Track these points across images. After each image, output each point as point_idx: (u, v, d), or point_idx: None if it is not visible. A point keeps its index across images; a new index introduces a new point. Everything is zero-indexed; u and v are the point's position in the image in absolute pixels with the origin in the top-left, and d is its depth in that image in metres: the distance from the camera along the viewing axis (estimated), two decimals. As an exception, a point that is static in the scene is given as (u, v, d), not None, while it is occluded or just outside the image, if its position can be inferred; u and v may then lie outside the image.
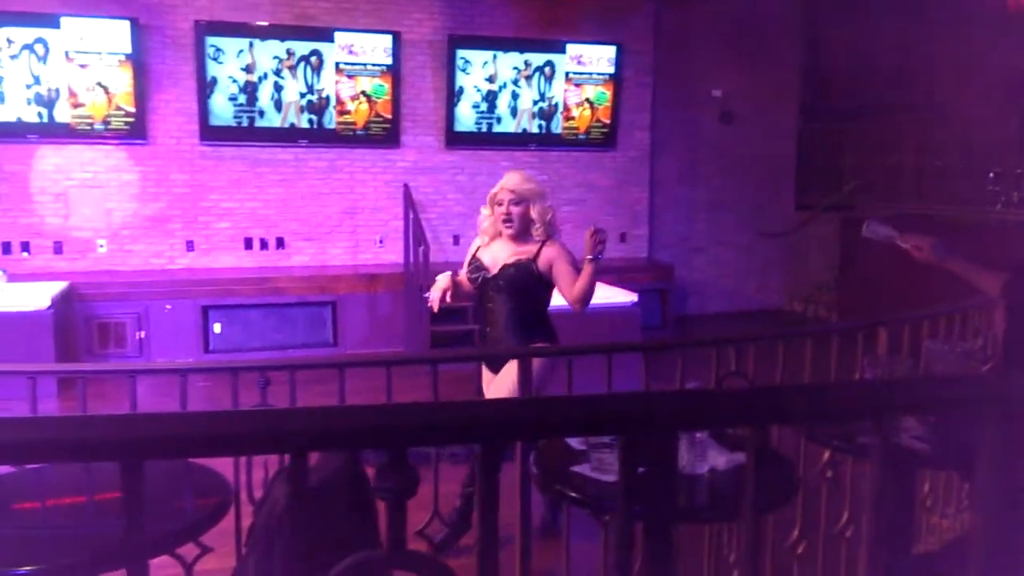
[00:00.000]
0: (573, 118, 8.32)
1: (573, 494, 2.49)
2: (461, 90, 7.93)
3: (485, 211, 3.61)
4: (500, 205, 3.50)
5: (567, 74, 8.21)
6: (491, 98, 8.05)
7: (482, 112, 8.05)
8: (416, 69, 7.88)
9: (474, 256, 3.60)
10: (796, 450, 2.94)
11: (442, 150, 8.06)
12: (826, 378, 3.20)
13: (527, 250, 3.48)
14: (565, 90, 8.23)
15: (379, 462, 0.92)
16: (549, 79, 8.18)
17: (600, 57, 8.27)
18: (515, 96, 8.11)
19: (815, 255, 9.22)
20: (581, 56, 8.21)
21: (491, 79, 8.01)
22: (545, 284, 3.49)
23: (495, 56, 7.98)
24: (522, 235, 3.50)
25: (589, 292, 3.36)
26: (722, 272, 9.23)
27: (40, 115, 6.88)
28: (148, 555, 1.03)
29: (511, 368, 3.31)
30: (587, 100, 8.33)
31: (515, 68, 8.06)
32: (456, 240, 8.17)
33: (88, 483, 2.24)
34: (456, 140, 8.04)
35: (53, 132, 6.93)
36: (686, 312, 8.83)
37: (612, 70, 8.30)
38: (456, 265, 7.78)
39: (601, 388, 2.92)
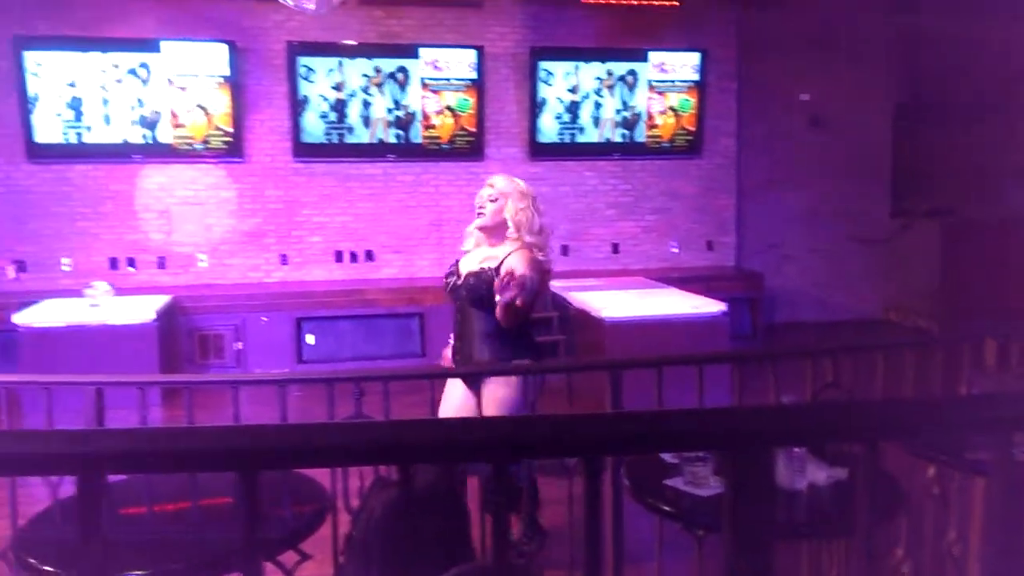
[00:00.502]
0: (657, 126, 8.26)
1: (666, 508, 2.47)
2: (544, 101, 7.97)
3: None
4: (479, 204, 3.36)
5: (650, 82, 8.15)
6: (574, 109, 8.06)
7: (565, 123, 8.06)
8: (499, 82, 7.96)
9: (456, 261, 3.47)
10: (899, 464, 2.83)
11: (525, 161, 8.11)
12: (929, 392, 3.08)
13: (495, 257, 3.26)
14: (648, 98, 8.18)
15: (474, 473, 0.93)
16: (631, 88, 8.14)
17: (683, 64, 8.18)
18: (598, 106, 8.10)
19: (913, 263, 8.87)
20: (664, 64, 8.15)
21: (573, 90, 8.02)
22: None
23: (577, 67, 7.99)
24: (497, 238, 3.31)
25: (507, 321, 3.10)
26: (814, 280, 8.98)
27: (144, 136, 7.23)
28: (261, 561, 1.06)
29: (495, 388, 3.19)
30: (671, 108, 8.25)
31: (597, 78, 8.05)
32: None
33: (192, 490, 2.32)
34: (539, 151, 8.07)
35: (156, 152, 7.27)
36: (775, 321, 8.62)
37: (696, 77, 8.21)
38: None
39: (686, 401, 2.87)
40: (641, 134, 8.23)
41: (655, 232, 8.48)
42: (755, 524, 1.20)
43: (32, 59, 6.91)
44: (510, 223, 3.27)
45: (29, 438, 0.88)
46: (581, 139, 8.13)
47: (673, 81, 8.19)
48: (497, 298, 3.01)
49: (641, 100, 8.17)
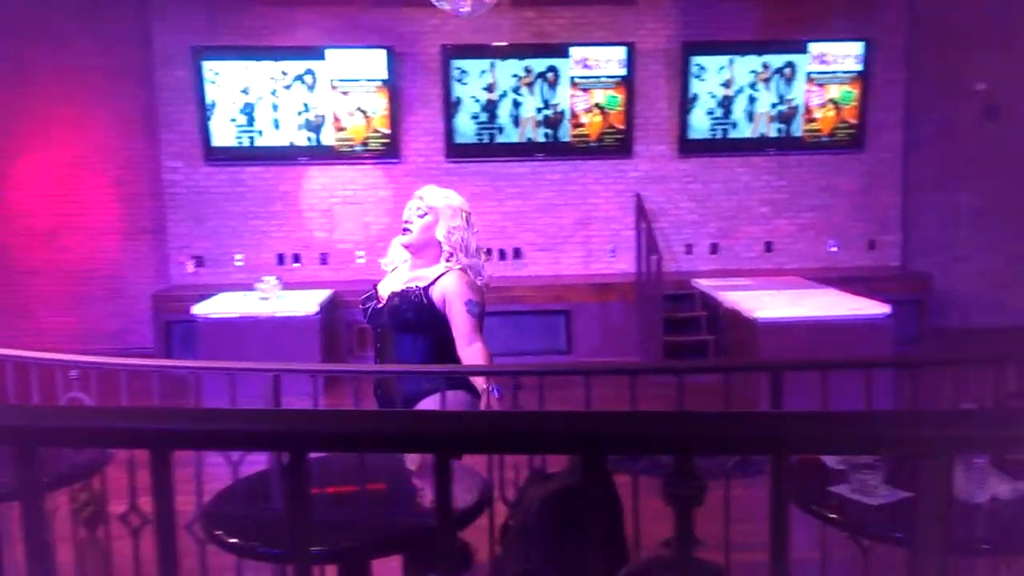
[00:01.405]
0: (815, 120, 7.93)
1: (832, 515, 2.37)
2: (695, 97, 7.83)
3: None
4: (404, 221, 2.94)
5: (809, 74, 7.84)
6: (727, 103, 7.86)
7: (717, 118, 7.88)
8: (649, 79, 7.88)
9: (374, 284, 3.03)
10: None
11: (675, 159, 7.99)
12: None
13: (422, 277, 2.85)
14: (807, 91, 7.86)
15: (635, 468, 0.94)
16: (789, 81, 7.85)
17: (846, 55, 7.81)
18: (752, 100, 7.87)
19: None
20: (824, 55, 7.81)
21: (727, 84, 7.83)
22: (443, 320, 2.81)
23: (731, 60, 7.79)
24: (425, 258, 2.90)
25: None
26: (990, 282, 8.34)
27: (309, 139, 7.64)
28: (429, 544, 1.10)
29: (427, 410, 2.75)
30: (831, 100, 7.90)
31: (752, 71, 7.82)
32: (689, 249, 8.06)
33: (360, 474, 2.43)
34: (689, 148, 7.93)
35: (320, 154, 7.67)
36: (946, 325, 8.08)
37: (859, 67, 7.82)
38: (691, 275, 7.66)
39: (845, 406, 2.74)
40: (798, 128, 7.93)
41: (812, 230, 8.15)
42: (931, 536, 1.14)
43: (210, 68, 7.45)
44: (444, 244, 2.87)
45: (251, 417, 0.96)
46: (734, 134, 7.92)
47: (834, 72, 7.84)
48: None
49: (799, 93, 7.87)
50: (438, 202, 2.90)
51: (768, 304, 5.85)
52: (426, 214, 2.88)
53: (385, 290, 2.92)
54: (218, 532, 1.95)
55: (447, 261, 2.86)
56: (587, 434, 0.90)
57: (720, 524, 2.61)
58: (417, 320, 2.79)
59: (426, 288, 2.79)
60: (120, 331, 7.96)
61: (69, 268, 8.01)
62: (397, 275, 2.95)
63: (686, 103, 7.83)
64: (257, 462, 2.46)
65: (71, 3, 7.64)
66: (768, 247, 8.12)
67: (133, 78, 7.77)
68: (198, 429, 0.96)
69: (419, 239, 2.87)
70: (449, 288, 2.78)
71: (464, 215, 2.94)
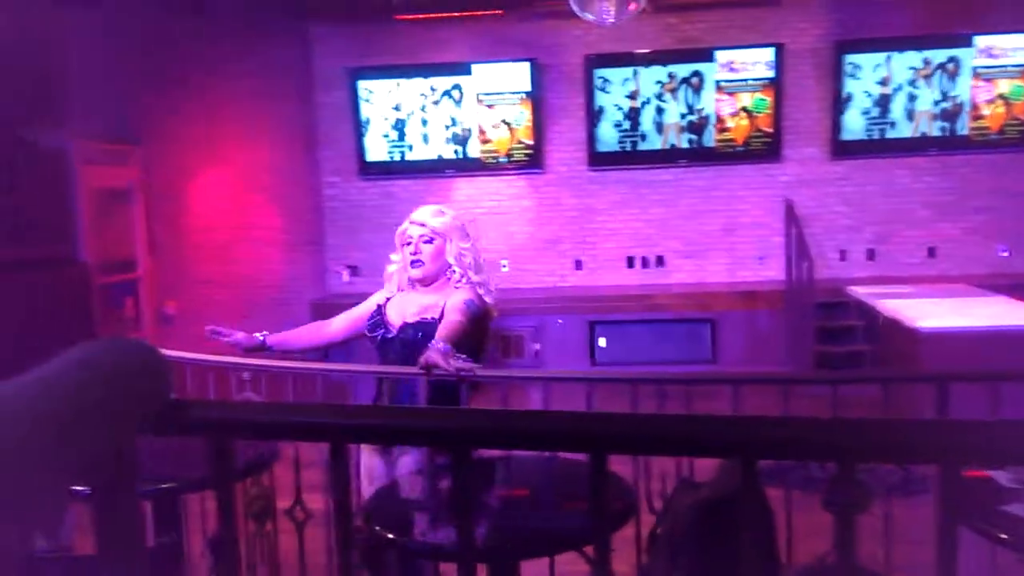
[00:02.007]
0: (983, 117, 7.42)
1: (1003, 536, 2.23)
2: (849, 97, 7.51)
3: (395, 257, 2.89)
4: (408, 244, 2.78)
5: (975, 69, 7.36)
6: (884, 102, 7.50)
7: (873, 118, 7.53)
8: (799, 80, 7.63)
9: (379, 308, 2.87)
10: None
11: (827, 161, 7.69)
12: None
13: (435, 304, 2.71)
14: (973, 87, 7.38)
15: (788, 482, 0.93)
16: (953, 76, 7.40)
17: (1016, 47, 7.29)
18: (912, 98, 7.46)
19: None
20: (992, 48, 7.31)
21: (884, 82, 7.46)
22: (463, 345, 2.57)
23: (888, 57, 7.43)
24: (436, 283, 2.77)
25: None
26: None
27: (456, 152, 7.89)
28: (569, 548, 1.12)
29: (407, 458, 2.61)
30: (1000, 96, 7.38)
31: (912, 68, 7.42)
32: (843, 256, 7.73)
33: (509, 478, 2.50)
34: (843, 150, 7.61)
35: (466, 167, 7.90)
36: None
37: (1032, 60, 7.27)
38: (845, 282, 7.33)
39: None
40: (964, 126, 7.45)
41: (979, 234, 7.62)
42: None
43: (364, 87, 7.83)
44: (455, 267, 2.75)
45: (416, 415, 1.02)
46: (892, 135, 7.54)
47: (1004, 67, 7.33)
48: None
49: (964, 89, 7.40)
50: (443, 225, 2.76)
51: (932, 312, 5.51)
52: (432, 240, 2.74)
53: (395, 317, 2.79)
54: (377, 527, 2.05)
55: (457, 282, 2.75)
56: (745, 437, 0.90)
57: (881, 544, 2.50)
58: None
59: (441, 317, 2.64)
60: (283, 337, 8.46)
61: (239, 278, 8.61)
62: (405, 300, 2.82)
63: (839, 103, 7.52)
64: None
65: (239, 33, 8.24)
66: (931, 252, 7.66)
67: (295, 100, 8.28)
68: (373, 424, 1.04)
69: (432, 269, 2.75)
70: (452, 303, 2.64)
71: (469, 232, 2.82)
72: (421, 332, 2.67)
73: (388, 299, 2.88)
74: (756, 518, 2.05)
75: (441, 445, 1.15)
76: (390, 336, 2.77)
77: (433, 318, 2.68)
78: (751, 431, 0.92)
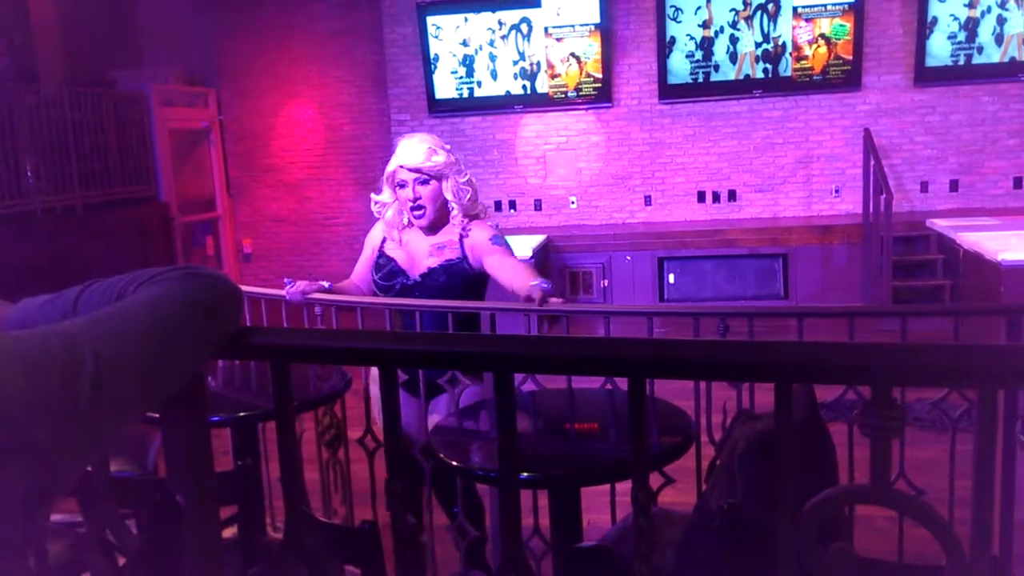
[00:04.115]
0: (1083, 38, 6.96)
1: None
2: (935, 20, 7.12)
3: (382, 197, 2.75)
4: (402, 187, 2.66)
5: (1076, -14, 6.87)
6: (971, 26, 7.09)
7: (959, 43, 7.13)
8: (881, 3, 7.27)
9: (382, 254, 2.77)
10: None
11: (910, 89, 7.35)
12: None
13: (448, 242, 2.67)
14: (1072, 5, 6.91)
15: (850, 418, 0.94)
16: (1051, -6, 6.93)
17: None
18: (1001, 21, 7.03)
19: None
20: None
21: (971, 4, 7.04)
22: (480, 282, 2.68)
23: (979, -23, 7.00)
24: (438, 222, 2.70)
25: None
26: None
27: (524, 87, 7.82)
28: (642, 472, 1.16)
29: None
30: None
31: (1003, -13, 6.98)
32: (924, 187, 7.44)
33: (572, 414, 2.55)
34: (927, 76, 7.26)
35: (534, 102, 7.83)
36: None
37: None
38: (926, 215, 7.09)
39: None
40: (1060, 49, 7.01)
41: (1071, 165, 7.23)
42: None
43: (432, 23, 7.79)
44: (454, 205, 2.66)
45: (463, 340, 1.07)
46: (979, 60, 7.14)
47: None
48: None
49: (1062, 9, 6.93)
50: (438, 165, 2.63)
51: (1015, 245, 5.30)
52: (427, 181, 2.64)
53: (408, 262, 2.72)
54: (442, 455, 2.13)
55: (463, 218, 2.67)
56: (777, 360, 0.92)
57: (945, 478, 2.48)
58: (464, 291, 2.65)
59: (463, 256, 2.64)
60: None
61: (312, 217, 8.82)
62: (412, 243, 2.74)
63: (924, 27, 7.14)
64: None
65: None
66: (1018, 183, 7.31)
67: (365, 37, 8.32)
68: (419, 349, 1.09)
69: (435, 213, 2.67)
70: (481, 245, 2.62)
71: (462, 163, 2.73)
72: (447, 275, 2.65)
73: (384, 241, 2.79)
74: (811, 448, 2.06)
75: (481, 368, 1.20)
76: (410, 283, 2.71)
77: (457, 258, 2.65)
78: (782, 354, 0.93)
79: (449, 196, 2.65)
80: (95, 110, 7.21)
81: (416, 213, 2.66)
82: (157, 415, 1.19)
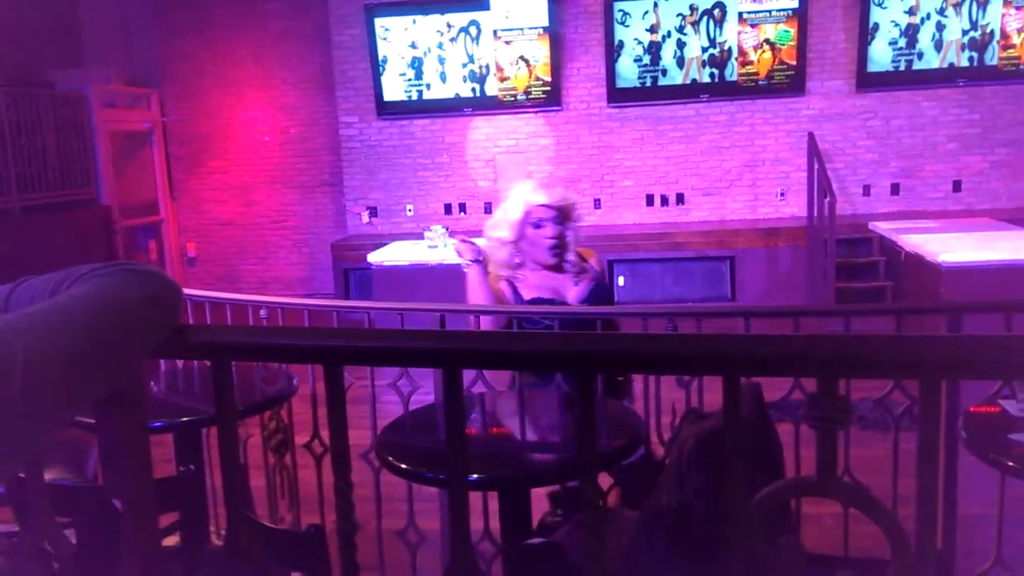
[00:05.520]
0: (1014, 46, 7.20)
1: (1011, 464, 2.25)
2: (876, 26, 7.30)
3: (502, 234, 2.73)
4: (538, 227, 2.69)
5: (1009, -6, 7.11)
6: (911, 32, 7.28)
7: (900, 48, 7.33)
8: (824, 10, 7.43)
9: (516, 292, 2.75)
10: None
11: (852, 94, 7.53)
12: None
13: (567, 281, 2.75)
14: (1003, 15, 7.14)
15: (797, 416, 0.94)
16: (983, 5, 7.16)
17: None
18: (940, 28, 7.24)
19: None
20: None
21: (911, 11, 7.24)
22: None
23: (917, -16, 7.20)
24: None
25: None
26: None
27: (473, 90, 7.80)
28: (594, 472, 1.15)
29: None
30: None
31: (939, -6, 7.20)
32: (866, 191, 7.62)
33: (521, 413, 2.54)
34: (869, 82, 7.44)
35: (484, 105, 7.82)
36: None
37: (1069, -17, 7.01)
38: (868, 218, 7.25)
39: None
40: (993, 56, 7.24)
41: (1007, 168, 7.47)
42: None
43: (381, 25, 7.73)
44: (571, 242, 2.77)
45: (410, 336, 1.05)
46: (919, 66, 7.34)
47: (1038, -7, 7.08)
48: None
49: (994, 17, 7.16)
50: (571, 202, 2.73)
51: (955, 247, 5.44)
52: (562, 220, 2.69)
53: (554, 295, 2.73)
54: (390, 458, 2.10)
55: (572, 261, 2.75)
56: (726, 353, 0.92)
57: (888, 476, 2.52)
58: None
59: (600, 280, 2.81)
60: (305, 278, 8.57)
61: (259, 220, 8.67)
62: (534, 279, 2.75)
63: (866, 34, 7.32)
64: (426, 397, 2.63)
65: (254, -30, 8.15)
66: (956, 186, 7.53)
67: (312, 39, 8.22)
68: (364, 346, 1.06)
69: (573, 252, 2.75)
70: (594, 262, 2.85)
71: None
72: (595, 298, 2.76)
73: (510, 281, 2.76)
74: (755, 445, 2.07)
75: (429, 365, 1.18)
76: (568, 319, 2.66)
77: (596, 284, 2.79)
78: (732, 346, 0.93)
79: (570, 237, 2.73)
80: (33, 111, 6.99)
81: (554, 252, 2.69)
82: (94, 420, 1.14)
